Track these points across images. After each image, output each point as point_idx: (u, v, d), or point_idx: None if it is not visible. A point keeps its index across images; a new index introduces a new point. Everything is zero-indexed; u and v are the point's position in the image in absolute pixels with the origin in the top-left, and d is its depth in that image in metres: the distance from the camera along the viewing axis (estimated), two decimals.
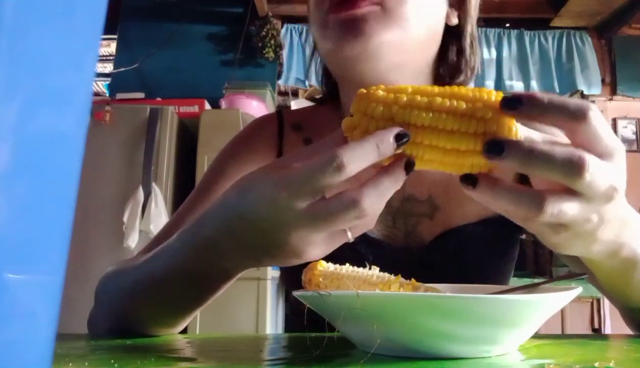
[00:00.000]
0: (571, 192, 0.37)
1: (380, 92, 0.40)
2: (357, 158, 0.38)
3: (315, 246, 0.42)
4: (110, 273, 0.62)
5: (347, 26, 0.60)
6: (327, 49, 0.64)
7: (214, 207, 0.46)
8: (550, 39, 3.34)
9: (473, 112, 0.37)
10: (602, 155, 0.37)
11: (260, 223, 0.41)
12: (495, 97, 0.38)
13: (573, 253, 0.43)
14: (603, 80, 3.35)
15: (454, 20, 0.69)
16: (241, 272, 0.49)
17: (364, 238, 0.66)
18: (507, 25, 3.33)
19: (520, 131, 0.38)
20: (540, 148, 0.36)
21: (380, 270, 0.47)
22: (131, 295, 0.55)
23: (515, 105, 0.37)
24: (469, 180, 0.38)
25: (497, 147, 0.36)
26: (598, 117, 0.37)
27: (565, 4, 3.09)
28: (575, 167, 0.36)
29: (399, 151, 0.39)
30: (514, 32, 3.34)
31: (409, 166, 0.40)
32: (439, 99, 0.38)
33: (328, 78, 0.77)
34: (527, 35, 3.35)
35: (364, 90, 0.40)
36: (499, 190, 0.38)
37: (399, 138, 0.38)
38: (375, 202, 0.39)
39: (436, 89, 0.39)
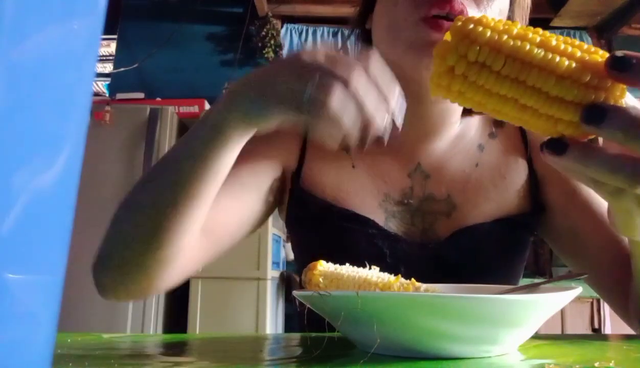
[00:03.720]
0: None
1: (490, 18, 0.35)
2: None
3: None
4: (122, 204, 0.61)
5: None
6: (408, 56, 0.61)
7: None
8: None
9: (589, 63, 0.33)
10: None
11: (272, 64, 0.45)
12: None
13: None
14: None
15: None
16: (232, 131, 0.50)
17: (382, 233, 0.67)
18: None
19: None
20: None
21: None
22: (136, 205, 0.56)
23: (625, 67, 0.32)
24: (558, 145, 0.34)
25: (598, 112, 0.32)
26: None
27: (565, 4, 3.09)
28: None
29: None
30: None
31: None
32: (553, 40, 0.34)
33: None
34: None
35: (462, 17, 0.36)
36: (596, 157, 0.33)
37: None
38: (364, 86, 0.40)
39: (547, 32, 0.35)
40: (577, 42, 0.35)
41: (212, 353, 0.47)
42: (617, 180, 0.34)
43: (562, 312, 2.54)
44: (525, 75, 0.33)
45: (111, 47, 3.55)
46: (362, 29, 0.74)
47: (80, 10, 0.21)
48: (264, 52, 3.20)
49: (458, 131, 0.72)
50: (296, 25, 3.36)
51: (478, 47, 0.34)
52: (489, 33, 0.34)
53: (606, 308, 2.59)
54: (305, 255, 0.77)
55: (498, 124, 0.74)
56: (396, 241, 0.68)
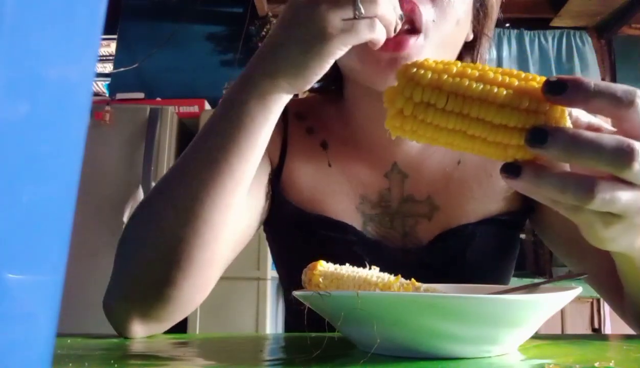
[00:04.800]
0: (621, 180, 0.36)
1: (431, 61, 0.39)
2: None
3: (334, 23, 0.46)
4: (133, 219, 0.59)
5: (391, 65, 0.56)
6: (365, 74, 0.60)
7: None
8: (550, 39, 3.34)
9: (526, 90, 0.36)
10: None
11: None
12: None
13: (617, 249, 0.41)
14: (603, 80, 3.35)
15: (470, 36, 0.68)
16: (280, 97, 0.52)
17: (360, 239, 0.66)
18: (507, 25, 3.32)
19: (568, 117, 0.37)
20: (586, 136, 0.34)
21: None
22: (171, 196, 0.54)
23: (559, 90, 0.35)
24: (512, 169, 0.37)
25: (540, 134, 0.35)
26: None
27: (565, 4, 3.09)
28: (623, 156, 0.34)
29: None
30: (513, 32, 3.34)
31: None
32: (491, 73, 0.37)
33: (333, 69, 0.75)
34: (527, 35, 3.34)
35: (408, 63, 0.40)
36: (546, 177, 0.36)
37: None
38: None
39: (486, 66, 0.38)
40: (515, 72, 0.38)
41: (212, 353, 0.47)
42: (567, 198, 0.36)
43: (562, 312, 2.54)
44: (468, 108, 0.37)
45: (111, 47, 3.55)
46: None
47: (80, 10, 0.21)
48: None
49: None
50: None
51: (421, 89, 0.37)
52: (430, 74, 0.38)
53: (606, 308, 2.59)
54: (283, 262, 0.75)
55: None
56: (376, 247, 0.66)
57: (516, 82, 0.36)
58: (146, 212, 0.57)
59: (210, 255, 0.54)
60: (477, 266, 0.68)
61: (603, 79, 3.35)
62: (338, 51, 0.48)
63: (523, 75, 0.37)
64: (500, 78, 0.37)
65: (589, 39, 3.35)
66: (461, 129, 0.37)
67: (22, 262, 0.19)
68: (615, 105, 0.35)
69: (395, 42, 0.56)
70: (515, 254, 0.74)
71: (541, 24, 3.33)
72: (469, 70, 0.37)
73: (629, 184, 0.36)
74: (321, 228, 0.66)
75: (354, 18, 0.46)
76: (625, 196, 0.36)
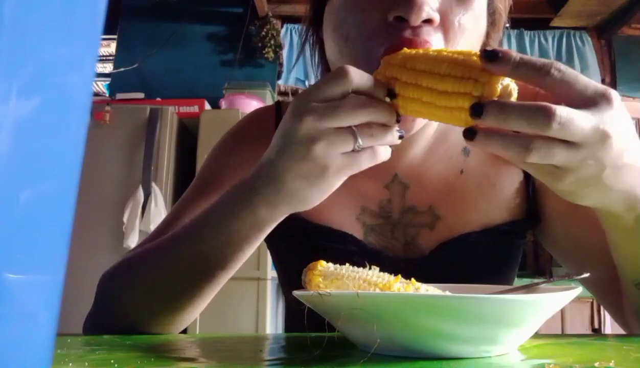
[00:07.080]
0: (557, 139, 0.41)
1: (412, 50, 0.50)
2: (360, 74, 0.47)
3: (336, 159, 0.47)
4: (114, 270, 0.62)
5: None
6: None
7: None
8: (550, 39, 3.34)
9: (465, 63, 0.44)
10: (581, 104, 0.41)
11: (284, 129, 0.50)
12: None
13: (589, 202, 0.47)
14: (603, 81, 3.35)
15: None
16: (271, 217, 0.54)
17: (361, 249, 0.66)
18: (507, 25, 3.32)
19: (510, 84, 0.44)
20: (512, 105, 0.41)
21: None
22: (151, 281, 0.58)
23: (492, 58, 0.42)
24: (469, 133, 0.43)
25: (477, 108, 0.42)
26: (564, 71, 0.41)
27: (565, 4, 3.09)
28: (542, 116, 0.39)
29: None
30: (514, 32, 3.34)
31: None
32: (444, 53, 0.46)
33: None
34: (527, 35, 3.35)
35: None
36: (492, 137, 0.42)
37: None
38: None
39: (449, 49, 0.51)
40: (466, 51, 0.46)
41: (213, 353, 0.47)
42: (511, 153, 0.42)
43: (562, 312, 2.54)
44: (420, 80, 0.46)
45: (111, 47, 3.56)
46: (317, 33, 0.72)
47: (80, 10, 0.21)
48: (264, 52, 3.20)
49: (437, 135, 0.69)
50: (296, 25, 3.36)
51: (391, 68, 0.48)
52: (400, 57, 0.48)
53: None
54: (283, 270, 0.76)
55: None
56: (377, 257, 0.65)
57: (461, 58, 0.45)
58: (120, 287, 0.62)
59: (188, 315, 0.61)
60: (479, 274, 0.67)
61: (603, 79, 3.35)
62: (341, 181, 0.51)
63: (473, 52, 0.45)
64: (450, 56, 0.45)
65: (589, 39, 3.36)
66: (418, 97, 0.46)
67: (22, 262, 0.19)
68: (534, 73, 0.41)
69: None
70: (517, 262, 0.73)
71: (541, 24, 3.33)
72: (432, 53, 0.47)
73: (564, 142, 0.41)
74: (321, 238, 0.66)
75: (354, 150, 0.48)
76: (560, 152, 0.41)
